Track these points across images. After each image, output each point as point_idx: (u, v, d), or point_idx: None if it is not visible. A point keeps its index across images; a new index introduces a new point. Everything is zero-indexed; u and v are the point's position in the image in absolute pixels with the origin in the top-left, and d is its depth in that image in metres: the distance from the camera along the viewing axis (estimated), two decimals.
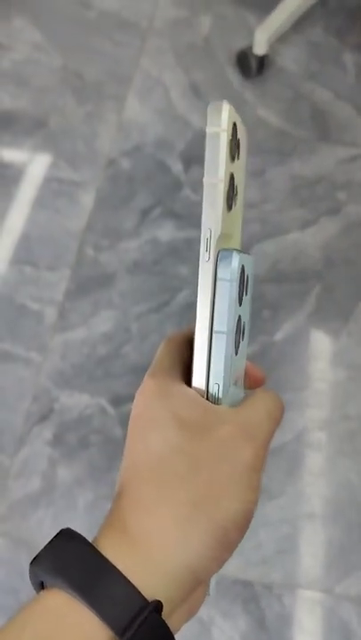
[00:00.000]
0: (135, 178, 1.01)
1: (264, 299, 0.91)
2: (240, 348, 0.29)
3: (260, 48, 1.08)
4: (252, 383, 0.32)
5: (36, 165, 1.03)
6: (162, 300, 0.90)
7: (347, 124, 1.05)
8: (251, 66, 1.09)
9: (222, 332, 0.27)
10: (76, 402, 0.84)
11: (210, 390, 0.28)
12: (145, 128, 1.06)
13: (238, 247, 0.31)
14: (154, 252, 0.94)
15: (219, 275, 0.27)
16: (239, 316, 0.28)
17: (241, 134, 0.29)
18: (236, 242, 0.31)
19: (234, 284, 0.27)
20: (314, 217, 0.97)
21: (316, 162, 1.01)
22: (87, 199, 0.99)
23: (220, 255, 0.27)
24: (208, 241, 0.27)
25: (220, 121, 0.27)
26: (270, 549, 0.75)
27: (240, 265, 0.28)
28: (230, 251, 0.28)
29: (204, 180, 0.26)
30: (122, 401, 0.84)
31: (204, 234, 0.27)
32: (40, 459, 0.80)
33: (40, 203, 0.99)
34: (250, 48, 1.08)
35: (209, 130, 0.26)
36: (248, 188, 0.95)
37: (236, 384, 0.30)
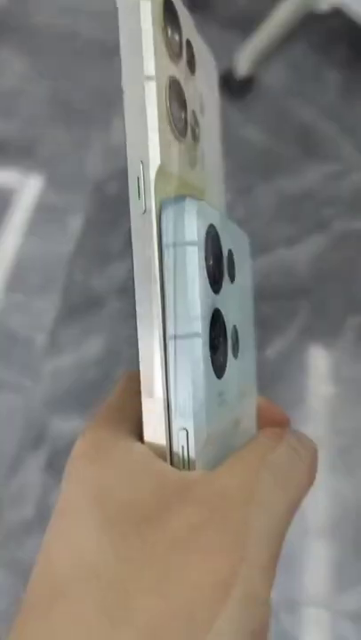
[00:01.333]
0: (123, 201, 1.02)
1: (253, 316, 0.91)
2: (231, 367, 0.19)
3: (243, 69, 1.10)
4: (267, 426, 0.22)
5: (24, 192, 1.04)
6: None
7: (331, 141, 1.06)
8: (234, 87, 1.11)
9: (182, 336, 0.16)
10: (68, 427, 0.84)
11: (172, 443, 0.17)
12: None
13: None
14: None
15: (164, 237, 0.16)
16: (218, 312, 0.18)
17: (192, 37, 0.19)
18: (213, 205, 0.20)
19: (194, 249, 0.16)
20: (301, 233, 0.97)
21: (301, 179, 1.02)
22: (76, 224, 1.00)
23: (165, 203, 0.17)
24: (140, 180, 0.16)
25: None
26: None
27: (205, 222, 0.17)
28: (183, 197, 0.17)
29: (122, 82, 0.16)
30: None
31: (133, 170, 0.16)
32: (34, 485, 0.80)
33: (29, 229, 1.00)
34: (233, 69, 1.10)
35: (120, 0, 0.16)
36: (235, 206, 0.96)
37: (236, 427, 0.19)
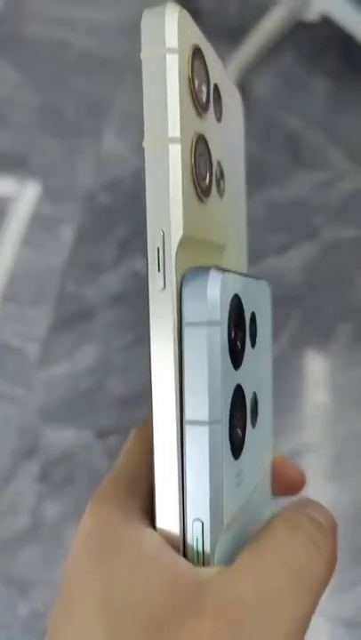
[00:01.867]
0: (114, 211, 1.03)
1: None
2: (250, 439, 0.18)
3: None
4: (282, 486, 0.21)
5: (17, 203, 1.05)
6: (144, 331, 0.91)
7: (319, 150, 1.07)
8: None
9: (201, 423, 0.15)
10: (61, 437, 0.84)
11: (187, 535, 0.16)
12: (123, 162, 1.08)
13: (239, 266, 0.20)
14: (134, 284, 0.95)
15: (185, 314, 0.15)
16: (238, 388, 0.17)
17: (220, 79, 0.18)
18: (234, 257, 0.20)
19: (216, 329, 0.15)
20: (292, 241, 0.98)
21: (291, 187, 1.03)
22: (68, 234, 1.01)
23: (188, 277, 0.16)
24: (160, 251, 0.15)
25: (164, 35, 0.15)
26: None
27: (230, 294, 0.16)
28: (206, 268, 0.16)
29: (144, 142, 0.15)
30: (107, 434, 0.85)
31: (152, 238, 0.15)
32: (27, 495, 0.81)
33: (22, 239, 1.01)
34: None
35: (145, 53, 0.15)
36: None
37: (254, 493, 0.19)
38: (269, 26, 1.11)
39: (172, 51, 0.15)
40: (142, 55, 0.15)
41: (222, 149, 0.18)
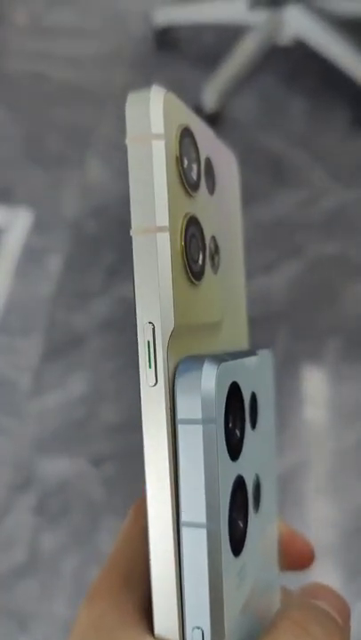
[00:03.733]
0: (100, 238, 1.04)
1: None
2: (252, 526, 0.17)
3: (210, 103, 1.12)
4: (290, 560, 0.21)
5: (4, 235, 1.06)
6: (134, 356, 0.92)
7: (301, 168, 1.09)
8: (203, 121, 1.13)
9: (198, 525, 0.15)
10: (56, 466, 0.84)
11: None
12: (107, 189, 1.09)
13: (238, 338, 0.20)
14: (123, 309, 0.96)
15: (179, 411, 0.15)
16: (239, 477, 0.16)
17: (210, 149, 0.18)
18: (231, 329, 0.19)
19: (212, 427, 0.14)
20: (277, 259, 0.99)
21: (274, 207, 1.04)
22: (56, 263, 1.01)
23: (180, 369, 0.15)
24: (150, 346, 0.15)
25: (150, 121, 0.15)
26: None
27: (227, 385, 0.15)
28: (200, 359, 0.15)
29: (132, 231, 0.15)
30: (102, 461, 0.84)
31: (142, 332, 0.15)
32: (24, 528, 0.80)
33: (10, 271, 1.02)
34: (201, 104, 1.13)
35: (130, 139, 0.15)
36: None
37: (264, 568, 0.18)
38: (245, 51, 1.13)
39: (158, 137, 0.15)
40: (128, 141, 0.15)
41: (216, 222, 0.18)
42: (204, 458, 0.14)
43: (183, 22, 1.30)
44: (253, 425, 0.17)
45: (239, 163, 0.23)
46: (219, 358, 0.15)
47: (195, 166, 0.17)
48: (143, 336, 0.15)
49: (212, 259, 0.17)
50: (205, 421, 0.14)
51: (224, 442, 0.15)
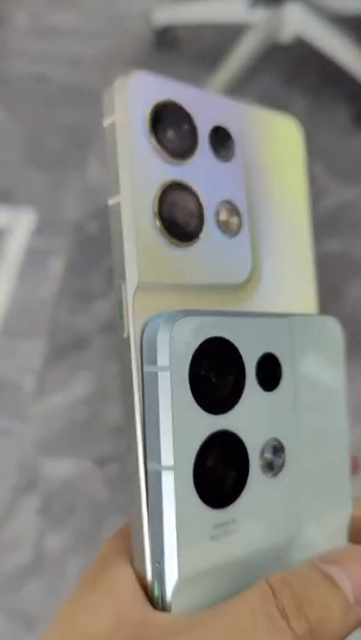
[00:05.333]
0: (102, 240, 1.04)
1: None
2: (264, 489, 0.18)
3: None
4: None
5: (5, 237, 1.06)
6: None
7: None
8: None
9: (155, 468, 0.16)
10: (60, 467, 0.84)
11: (148, 578, 0.16)
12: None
13: (287, 302, 0.20)
14: None
15: (144, 361, 0.16)
16: (224, 432, 0.17)
17: (221, 118, 0.19)
18: (276, 293, 0.19)
19: (165, 375, 0.16)
20: None
21: None
22: (58, 265, 1.02)
23: (150, 322, 0.16)
24: (122, 301, 0.16)
25: (114, 106, 0.17)
26: None
27: (192, 337, 0.16)
28: (169, 314, 0.16)
29: (109, 200, 0.17)
30: (106, 461, 0.85)
31: (115, 288, 0.17)
32: (29, 529, 0.80)
33: (12, 273, 1.02)
34: None
35: (104, 124, 0.17)
36: None
37: (286, 552, 0.18)
38: (245, 50, 1.13)
39: (121, 117, 0.17)
40: (103, 125, 0.17)
41: (235, 186, 0.19)
42: (160, 404, 0.16)
43: (183, 22, 1.30)
44: (268, 387, 0.18)
45: None
46: (186, 313, 0.16)
47: (183, 135, 0.18)
48: (115, 292, 0.17)
49: (226, 222, 0.19)
50: (161, 369, 0.16)
51: (187, 391, 0.16)
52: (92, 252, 1.03)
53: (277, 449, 0.18)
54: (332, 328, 0.21)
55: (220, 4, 1.25)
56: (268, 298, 0.20)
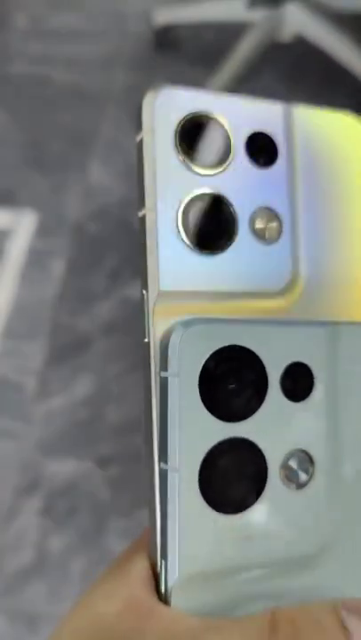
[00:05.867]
0: (103, 241, 1.04)
1: None
2: (285, 501, 0.17)
3: None
4: None
5: (6, 239, 1.06)
6: (139, 358, 0.92)
7: None
8: None
9: (163, 469, 0.17)
10: (62, 468, 0.85)
11: (157, 571, 0.17)
12: (109, 192, 1.10)
13: (333, 315, 0.19)
14: (127, 311, 0.96)
15: (160, 368, 0.17)
16: (237, 439, 0.17)
17: (259, 123, 0.20)
18: (317, 305, 0.19)
19: (174, 380, 0.16)
20: None
21: None
22: (59, 267, 1.02)
23: (169, 329, 0.17)
24: (146, 310, 0.17)
25: (142, 121, 0.18)
26: None
27: (204, 344, 0.16)
28: (187, 320, 0.17)
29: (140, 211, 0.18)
30: (108, 462, 0.85)
31: (141, 299, 0.17)
32: (31, 530, 0.81)
33: (13, 274, 1.02)
34: None
35: (138, 137, 0.18)
36: None
37: (314, 560, 0.18)
38: (245, 49, 1.13)
39: (148, 132, 0.17)
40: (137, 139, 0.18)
41: (275, 193, 0.19)
42: (169, 408, 0.16)
43: (183, 22, 1.30)
44: (296, 397, 0.17)
45: None
46: (202, 320, 0.17)
47: (214, 146, 0.18)
48: (141, 300, 0.17)
49: (263, 229, 0.19)
50: (171, 375, 0.16)
51: (197, 397, 0.16)
52: (93, 253, 1.03)
53: (304, 461, 0.18)
54: None
55: (220, 4, 1.25)
56: (312, 305, 0.19)
